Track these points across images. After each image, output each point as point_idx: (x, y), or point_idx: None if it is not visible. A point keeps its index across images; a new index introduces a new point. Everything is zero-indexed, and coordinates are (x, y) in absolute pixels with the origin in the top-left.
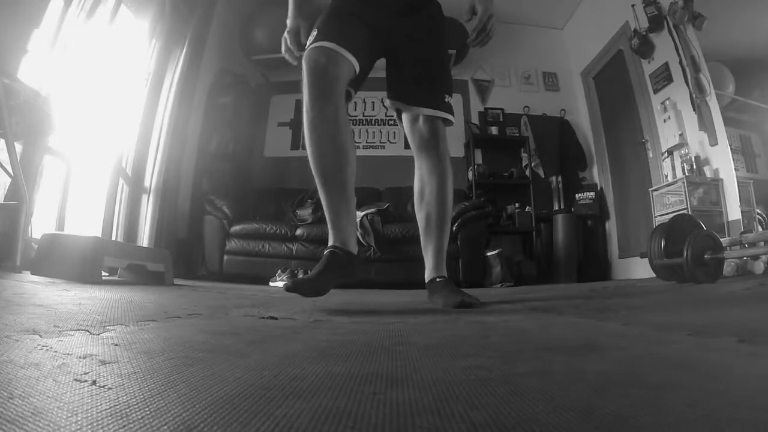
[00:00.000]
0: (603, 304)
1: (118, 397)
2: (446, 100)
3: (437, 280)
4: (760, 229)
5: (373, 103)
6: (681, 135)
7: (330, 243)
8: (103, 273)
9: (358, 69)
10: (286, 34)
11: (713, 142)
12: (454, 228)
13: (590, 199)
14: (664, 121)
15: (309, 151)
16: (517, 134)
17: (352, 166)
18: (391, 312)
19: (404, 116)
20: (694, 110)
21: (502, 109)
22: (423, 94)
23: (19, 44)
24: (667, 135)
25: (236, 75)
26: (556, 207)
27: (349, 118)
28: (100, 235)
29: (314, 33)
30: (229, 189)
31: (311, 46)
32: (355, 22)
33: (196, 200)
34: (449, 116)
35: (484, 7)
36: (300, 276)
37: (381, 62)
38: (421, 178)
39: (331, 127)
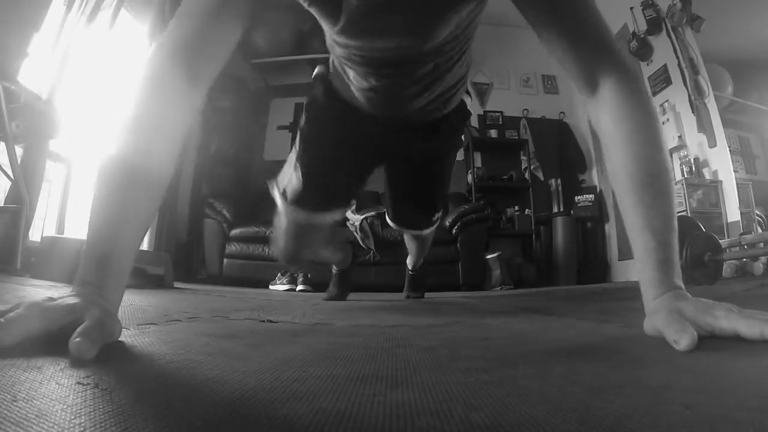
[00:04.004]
0: (602, 307)
1: (120, 400)
2: (435, 217)
3: (410, 273)
4: (760, 230)
5: None
6: (680, 137)
7: None
8: None
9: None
10: None
11: (712, 143)
12: (453, 231)
13: (590, 202)
14: (663, 123)
15: None
16: (517, 137)
17: None
18: (390, 315)
19: None
20: (692, 112)
21: (501, 112)
22: (414, 222)
23: (19, 48)
24: (666, 137)
25: (236, 78)
26: (555, 209)
27: None
28: None
29: (294, 192)
30: (228, 192)
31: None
32: (343, 164)
33: (196, 204)
34: (433, 228)
35: None
36: (300, 279)
37: None
38: (409, 245)
39: None
